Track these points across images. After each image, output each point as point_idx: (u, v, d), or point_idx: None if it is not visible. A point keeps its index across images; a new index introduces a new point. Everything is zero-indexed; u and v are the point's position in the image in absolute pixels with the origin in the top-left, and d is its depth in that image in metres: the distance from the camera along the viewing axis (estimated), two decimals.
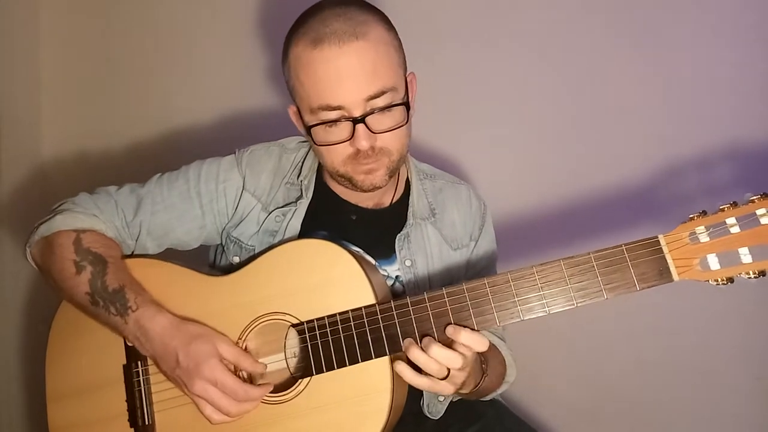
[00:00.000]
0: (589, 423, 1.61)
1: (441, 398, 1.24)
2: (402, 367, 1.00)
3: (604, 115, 1.58)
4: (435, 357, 0.98)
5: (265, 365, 1.09)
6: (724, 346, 1.52)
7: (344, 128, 1.07)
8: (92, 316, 1.12)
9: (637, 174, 1.53)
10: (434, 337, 1.01)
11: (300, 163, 1.25)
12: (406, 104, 1.09)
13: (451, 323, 1.01)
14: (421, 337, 1.02)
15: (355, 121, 1.05)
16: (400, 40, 1.13)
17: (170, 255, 1.24)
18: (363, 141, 1.06)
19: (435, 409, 1.24)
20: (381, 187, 1.14)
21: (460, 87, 1.69)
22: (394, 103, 1.07)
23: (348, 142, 1.08)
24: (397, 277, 1.21)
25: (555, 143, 1.62)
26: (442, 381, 1.01)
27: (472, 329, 1.00)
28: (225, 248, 1.24)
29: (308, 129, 1.10)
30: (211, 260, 1.32)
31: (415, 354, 0.99)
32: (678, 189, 1.46)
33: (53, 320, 1.20)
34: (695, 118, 1.50)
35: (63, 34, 1.97)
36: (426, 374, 1.00)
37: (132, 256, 1.21)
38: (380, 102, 1.05)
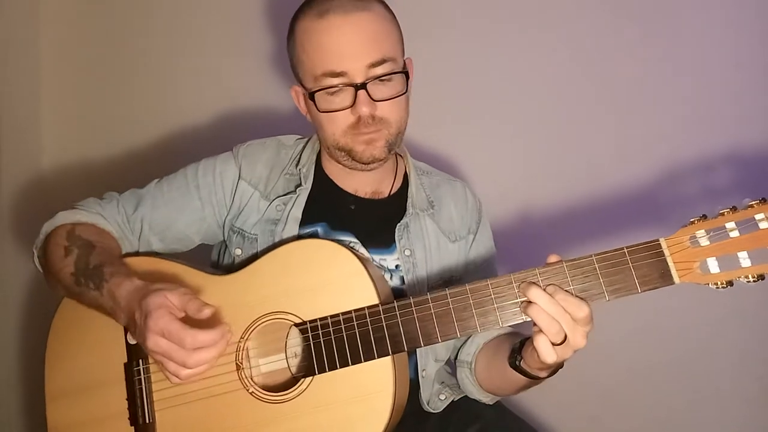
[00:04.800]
0: (590, 424, 1.61)
1: (442, 396, 1.26)
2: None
3: (607, 119, 1.60)
4: (563, 304, 0.93)
5: (214, 307, 1.03)
6: (725, 347, 1.53)
7: (346, 96, 1.11)
8: (78, 299, 1.12)
9: (639, 178, 1.55)
10: (437, 337, 1.02)
11: (298, 156, 1.28)
12: (405, 73, 1.14)
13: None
14: (424, 336, 1.03)
15: (357, 87, 1.09)
16: (399, 24, 1.18)
17: (173, 254, 1.24)
18: (364, 107, 1.10)
19: (435, 405, 1.26)
20: (380, 160, 1.16)
21: (461, 90, 1.70)
22: (394, 71, 1.12)
23: (349, 110, 1.12)
24: (396, 266, 1.23)
25: (557, 146, 1.64)
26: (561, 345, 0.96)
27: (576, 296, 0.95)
28: (228, 242, 1.25)
29: (312, 95, 1.13)
30: (214, 259, 1.33)
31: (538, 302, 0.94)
32: (678, 193, 1.48)
33: (53, 319, 1.20)
34: (696, 123, 1.52)
35: (63, 38, 1.97)
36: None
37: (133, 254, 1.22)
38: (381, 70, 1.11)
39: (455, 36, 1.69)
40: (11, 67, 1.86)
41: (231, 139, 1.82)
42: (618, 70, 1.58)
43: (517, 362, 1.06)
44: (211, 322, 1.03)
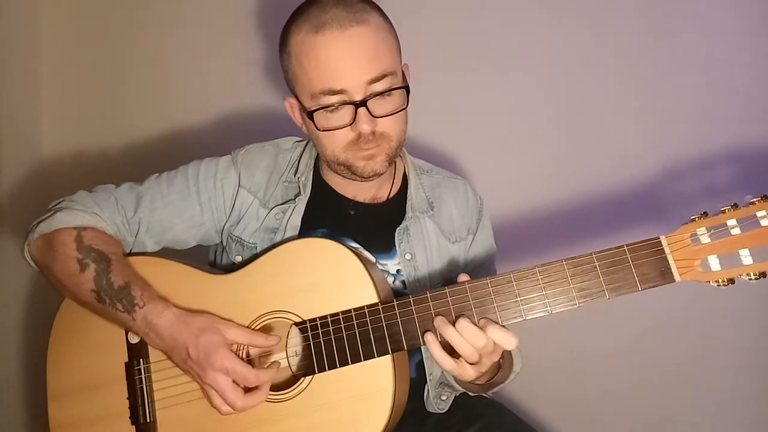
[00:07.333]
0: (589, 423, 1.61)
1: (443, 397, 1.25)
2: (431, 341, 1.00)
3: (606, 116, 1.59)
4: (464, 335, 0.98)
5: (279, 336, 1.10)
6: (725, 346, 1.52)
7: (345, 113, 1.09)
8: (98, 313, 1.12)
9: (639, 175, 1.55)
10: (437, 336, 1.02)
11: (296, 162, 1.26)
12: (407, 88, 1.11)
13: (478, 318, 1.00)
14: (424, 334, 1.02)
15: (357, 104, 1.07)
16: (395, 30, 1.15)
17: (171, 254, 1.23)
18: (364, 125, 1.08)
19: (438, 407, 1.25)
20: (381, 174, 1.15)
21: (461, 87, 1.69)
22: (394, 87, 1.09)
23: (349, 127, 1.09)
24: (398, 271, 1.22)
25: (557, 144, 1.63)
26: (469, 365, 1.01)
27: (502, 326, 0.99)
28: (227, 248, 1.24)
29: (310, 114, 1.11)
30: (211, 259, 1.33)
31: (450, 333, 0.99)
32: (679, 190, 1.47)
33: (55, 318, 1.20)
34: (696, 120, 1.51)
35: (63, 34, 1.96)
36: (454, 355, 1.00)
37: (132, 254, 1.21)
38: (380, 86, 1.07)
39: (460, 35, 1.68)
40: (11, 59, 1.85)
41: (229, 135, 1.84)
42: (619, 67, 1.58)
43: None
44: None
